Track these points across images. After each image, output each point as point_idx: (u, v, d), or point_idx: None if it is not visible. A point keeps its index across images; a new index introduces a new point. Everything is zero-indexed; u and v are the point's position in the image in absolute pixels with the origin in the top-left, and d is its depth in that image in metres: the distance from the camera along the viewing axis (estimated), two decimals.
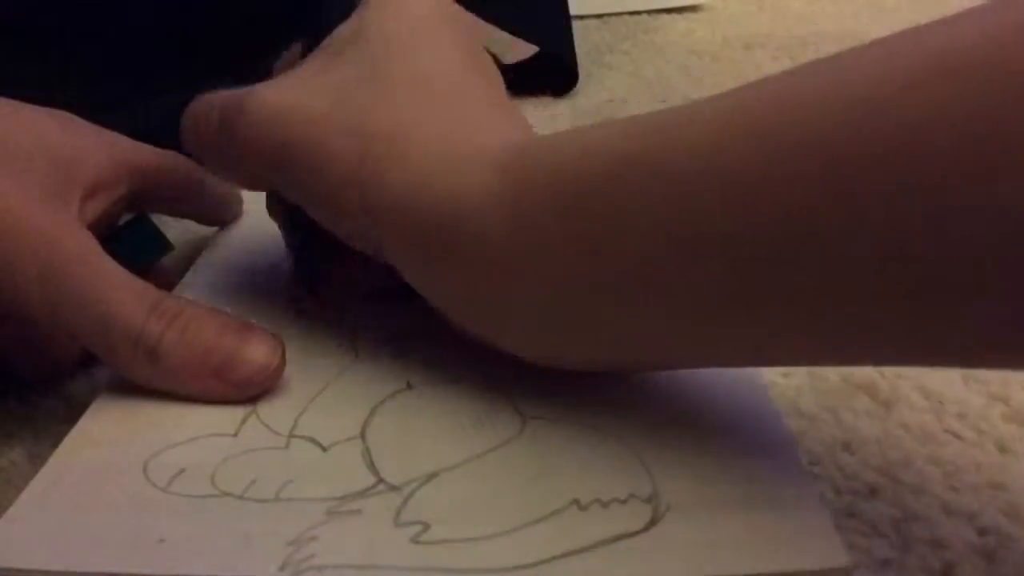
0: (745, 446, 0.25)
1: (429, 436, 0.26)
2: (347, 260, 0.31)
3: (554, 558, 0.22)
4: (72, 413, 0.28)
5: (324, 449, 0.26)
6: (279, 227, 0.34)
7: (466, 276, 0.26)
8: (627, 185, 0.23)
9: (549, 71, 0.58)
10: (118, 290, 0.27)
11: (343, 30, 0.30)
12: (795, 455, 0.25)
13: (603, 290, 0.24)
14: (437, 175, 0.26)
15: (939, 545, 0.24)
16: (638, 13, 0.75)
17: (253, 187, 0.33)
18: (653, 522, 0.23)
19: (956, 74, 0.18)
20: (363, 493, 0.24)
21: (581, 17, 0.72)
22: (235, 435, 0.27)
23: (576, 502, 0.23)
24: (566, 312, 0.25)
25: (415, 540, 0.23)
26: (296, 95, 0.28)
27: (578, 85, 0.59)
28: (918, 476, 0.26)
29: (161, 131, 0.36)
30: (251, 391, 0.28)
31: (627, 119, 0.25)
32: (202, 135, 0.30)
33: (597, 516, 0.23)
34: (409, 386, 0.28)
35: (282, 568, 0.22)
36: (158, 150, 0.35)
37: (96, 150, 0.32)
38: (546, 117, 0.54)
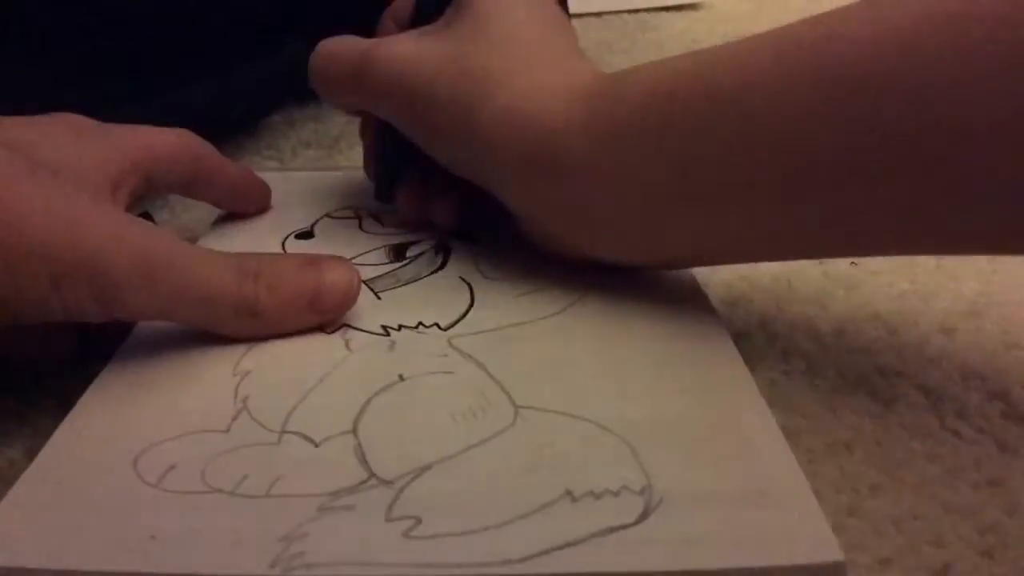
0: (738, 441, 0.25)
1: (421, 429, 0.26)
2: (424, 175, 0.38)
3: (546, 551, 0.22)
4: (71, 411, 0.28)
5: (316, 444, 0.26)
6: (366, 146, 0.41)
7: (558, 187, 0.31)
8: (698, 115, 0.28)
9: None
10: (207, 266, 0.29)
11: (448, 13, 0.36)
12: (787, 450, 0.25)
13: (678, 196, 0.29)
14: (532, 103, 0.32)
15: (939, 544, 0.24)
16: (637, 11, 0.75)
17: (374, 113, 0.38)
18: (645, 515, 0.23)
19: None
20: (355, 488, 0.24)
21: (580, 15, 0.72)
22: (226, 431, 0.27)
23: (569, 494, 0.23)
24: (650, 216, 0.30)
25: (407, 535, 0.23)
26: (418, 49, 0.34)
27: None
28: (918, 475, 0.26)
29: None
30: (341, 312, 0.31)
31: (693, 53, 0.30)
32: (334, 76, 0.36)
33: (589, 508, 0.23)
34: (401, 379, 0.28)
35: (273, 565, 0.22)
36: (166, 132, 0.35)
37: (110, 149, 0.32)
38: None
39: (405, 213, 0.39)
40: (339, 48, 0.37)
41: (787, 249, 0.30)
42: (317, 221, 0.39)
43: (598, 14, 0.74)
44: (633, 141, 0.30)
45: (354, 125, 0.55)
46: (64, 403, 0.30)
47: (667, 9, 0.75)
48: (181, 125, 0.37)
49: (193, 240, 0.38)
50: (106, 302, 0.27)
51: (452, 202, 0.38)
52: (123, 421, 0.27)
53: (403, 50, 0.35)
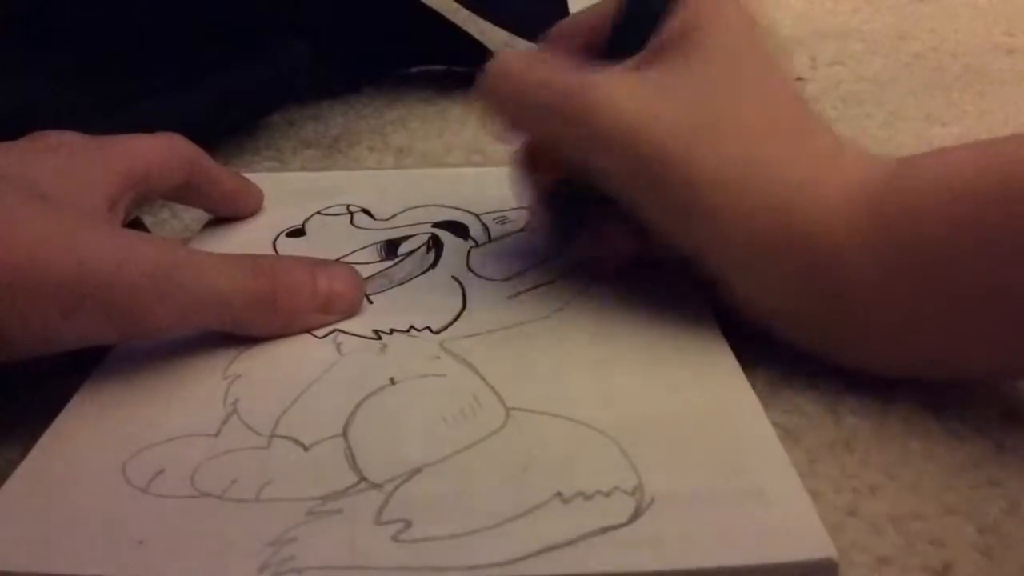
0: (729, 439, 0.25)
1: (411, 432, 0.26)
2: (609, 227, 0.33)
3: (537, 553, 0.22)
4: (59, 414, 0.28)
5: (306, 448, 0.26)
6: (535, 185, 0.35)
7: (826, 303, 0.29)
8: (991, 227, 0.26)
9: None
10: (220, 269, 0.29)
11: (673, 30, 0.30)
12: (779, 447, 0.25)
13: (952, 319, 0.27)
14: (807, 206, 0.28)
15: (939, 543, 0.24)
16: None
17: (573, 158, 0.32)
18: (637, 515, 0.23)
19: None
20: (345, 492, 0.24)
21: None
22: (216, 435, 0.26)
23: (559, 495, 0.23)
24: (919, 335, 0.28)
25: (396, 538, 0.23)
26: (648, 98, 0.29)
27: None
28: (918, 474, 0.26)
29: (161, 131, 0.36)
30: (347, 316, 0.32)
31: (980, 147, 0.28)
32: (536, 102, 0.31)
33: (581, 509, 0.23)
34: (392, 382, 0.28)
35: (262, 570, 0.22)
36: (157, 140, 0.35)
37: (103, 166, 0.32)
38: None
39: (601, 259, 0.34)
40: (545, 73, 0.31)
41: None
42: (308, 219, 0.39)
43: None
44: (938, 262, 0.27)
45: (354, 124, 0.55)
46: (63, 403, 0.30)
47: None
48: (181, 126, 0.37)
49: (187, 240, 0.38)
50: (122, 324, 0.27)
51: (631, 233, 0.33)
52: (112, 425, 0.27)
53: (632, 96, 0.29)
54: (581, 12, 0.34)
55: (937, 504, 0.25)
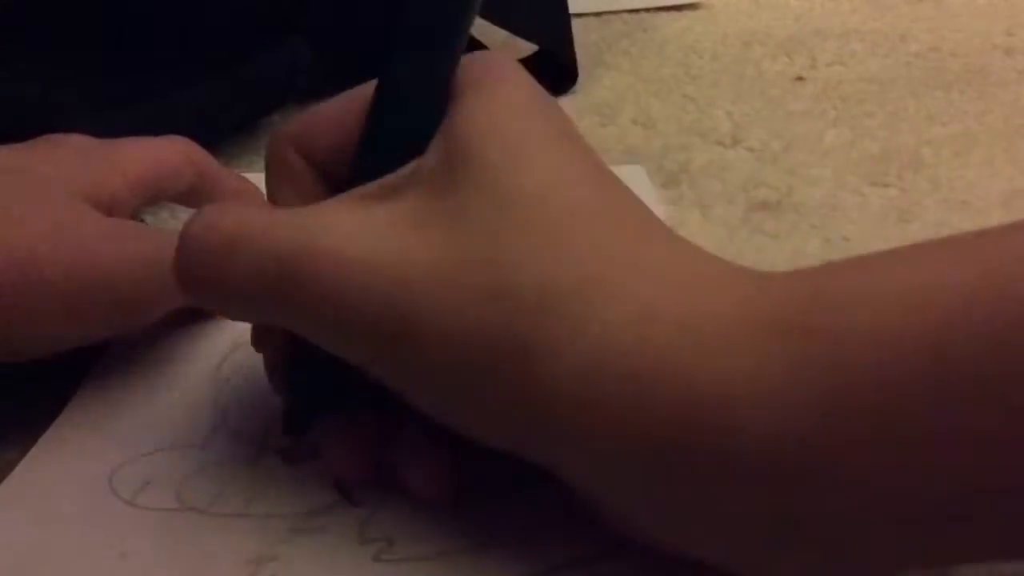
0: None
1: None
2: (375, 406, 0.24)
3: None
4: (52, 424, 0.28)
5: (292, 463, 0.26)
6: (269, 368, 0.27)
7: (735, 496, 0.19)
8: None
9: (548, 69, 0.58)
10: None
11: (427, 158, 0.22)
12: None
13: (951, 512, 0.18)
14: (658, 347, 0.19)
15: None
16: (637, 11, 0.75)
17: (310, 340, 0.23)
18: (617, 546, 0.22)
19: None
20: (329, 509, 0.24)
21: (580, 15, 0.72)
22: (203, 447, 0.26)
23: (541, 521, 0.23)
24: (881, 537, 0.19)
25: (377, 558, 0.22)
26: (394, 240, 0.21)
27: (577, 83, 0.59)
28: None
29: (161, 131, 0.36)
30: None
31: (964, 240, 0.19)
32: (236, 279, 0.22)
33: (561, 537, 0.23)
34: None
35: None
36: (168, 145, 0.34)
37: (113, 169, 0.31)
38: None
39: (336, 466, 0.25)
40: (242, 228, 0.22)
41: None
42: None
43: (598, 14, 0.74)
44: (898, 416, 0.18)
45: None
46: (63, 404, 0.30)
47: (667, 9, 0.75)
48: (182, 125, 0.37)
49: None
50: (126, 317, 0.27)
51: (435, 460, 0.24)
52: (101, 435, 0.27)
53: (356, 240, 0.21)
54: (333, 101, 0.25)
55: None
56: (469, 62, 0.23)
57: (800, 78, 0.59)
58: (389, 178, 0.22)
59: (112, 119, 0.35)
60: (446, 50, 0.22)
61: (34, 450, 0.26)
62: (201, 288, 0.23)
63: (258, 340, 0.26)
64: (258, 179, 0.41)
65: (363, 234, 0.21)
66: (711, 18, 0.74)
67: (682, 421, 0.18)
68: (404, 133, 0.22)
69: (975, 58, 0.61)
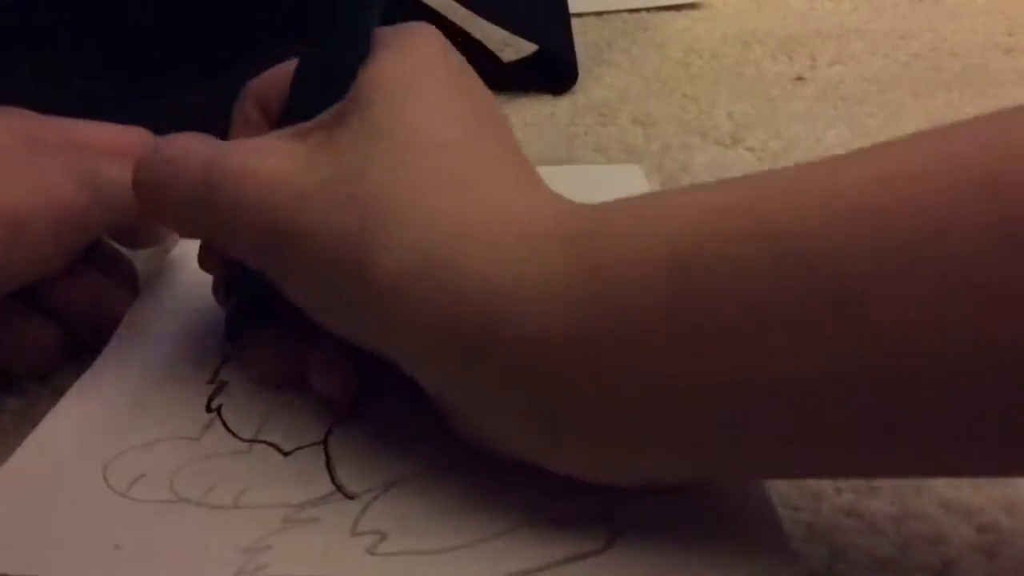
0: None
1: (391, 443, 0.26)
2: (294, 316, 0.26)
3: None
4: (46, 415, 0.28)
5: (285, 455, 0.26)
6: (213, 284, 0.31)
7: (513, 382, 0.21)
8: (759, 264, 0.19)
9: (548, 69, 0.58)
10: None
11: (349, 97, 0.25)
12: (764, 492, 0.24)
13: (709, 400, 0.20)
14: (460, 250, 0.22)
15: (938, 543, 0.24)
16: (637, 11, 0.75)
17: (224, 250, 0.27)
18: (610, 543, 0.22)
19: None
20: (322, 500, 0.24)
21: (580, 15, 0.72)
22: (198, 439, 0.27)
23: (536, 518, 0.23)
24: (653, 424, 0.21)
25: (370, 551, 0.23)
26: (283, 162, 0.24)
27: (577, 83, 0.59)
28: None
29: (161, 131, 0.36)
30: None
31: (719, 183, 0.21)
32: (169, 195, 0.26)
33: (554, 534, 0.23)
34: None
35: None
36: (117, 132, 0.34)
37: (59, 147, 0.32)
38: (545, 115, 0.54)
39: (259, 370, 0.29)
40: (182, 150, 0.26)
41: (845, 467, 0.22)
42: None
43: (598, 14, 0.74)
44: (639, 317, 0.20)
45: None
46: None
47: (667, 9, 0.75)
48: (182, 125, 0.37)
49: (174, 242, 0.38)
50: (69, 234, 0.29)
51: (337, 364, 0.27)
52: (96, 427, 0.27)
53: (262, 162, 0.24)
54: (284, 64, 0.29)
55: (937, 504, 0.25)
56: (394, 28, 0.27)
57: (800, 78, 0.59)
58: (307, 123, 0.25)
59: (112, 119, 0.35)
60: (357, 13, 0.26)
61: (27, 442, 0.26)
62: (150, 199, 0.27)
63: (203, 261, 0.30)
64: None
65: (270, 157, 0.25)
66: (711, 18, 0.74)
67: (469, 314, 0.21)
68: (324, 83, 0.26)
69: (975, 58, 0.61)
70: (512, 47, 0.62)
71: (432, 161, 0.23)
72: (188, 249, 0.37)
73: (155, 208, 0.27)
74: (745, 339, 0.19)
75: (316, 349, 0.27)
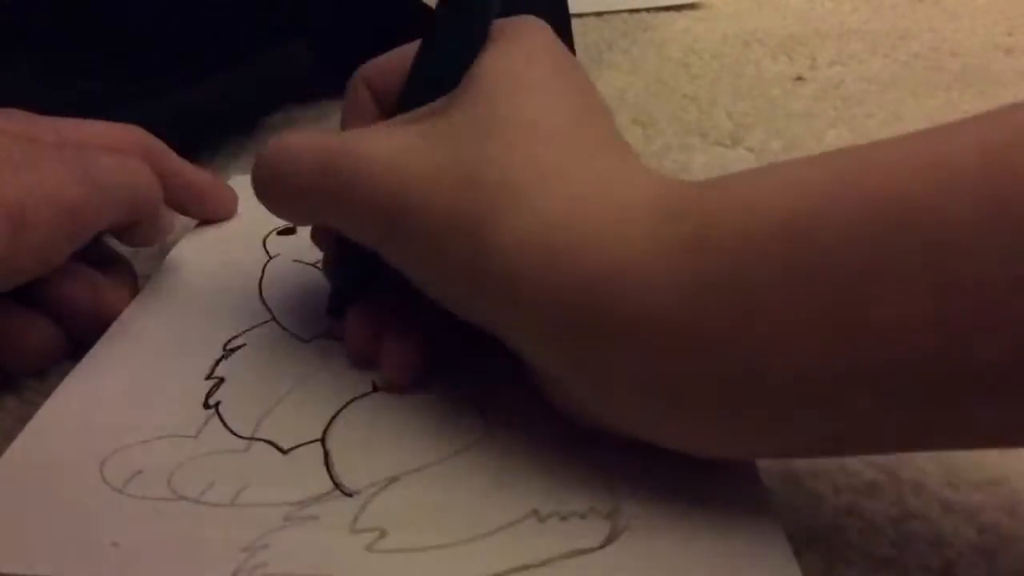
0: (709, 465, 0.24)
1: (391, 440, 0.26)
2: (391, 298, 0.29)
3: (508, 572, 0.22)
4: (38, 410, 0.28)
5: (284, 452, 0.26)
6: (324, 262, 0.32)
7: (624, 357, 0.22)
8: (887, 233, 0.19)
9: None
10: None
11: (453, 93, 0.27)
12: (757, 476, 0.24)
13: (831, 377, 0.20)
14: (573, 229, 0.23)
15: (939, 543, 0.24)
16: (637, 11, 0.75)
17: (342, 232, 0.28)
18: (610, 540, 0.23)
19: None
20: (321, 498, 0.24)
21: (580, 15, 0.72)
22: (196, 436, 0.26)
23: (535, 513, 0.23)
24: (766, 401, 0.21)
25: (370, 548, 0.22)
26: (403, 147, 0.25)
27: None
28: (917, 474, 0.26)
29: (161, 131, 0.36)
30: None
31: (824, 156, 0.21)
32: (289, 182, 0.27)
33: (555, 530, 0.23)
34: (375, 388, 0.28)
35: None
36: (109, 127, 0.34)
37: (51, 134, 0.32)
38: None
39: (351, 346, 0.30)
40: (299, 144, 0.27)
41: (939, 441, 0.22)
42: None
43: (598, 14, 0.74)
44: (753, 286, 0.20)
45: None
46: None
47: (667, 9, 0.75)
48: (181, 125, 0.37)
49: (173, 242, 0.38)
50: (71, 227, 0.29)
51: (408, 347, 0.28)
52: (92, 422, 0.27)
53: (381, 148, 0.26)
54: (403, 47, 0.30)
55: (937, 504, 0.25)
56: (506, 21, 0.28)
57: (800, 78, 0.59)
58: (422, 108, 0.27)
59: (112, 119, 0.35)
60: (476, 8, 0.27)
61: (22, 436, 0.26)
62: (269, 191, 0.28)
63: (317, 239, 0.32)
64: None
65: (389, 144, 0.26)
66: (711, 18, 0.74)
67: (582, 292, 0.22)
68: (441, 72, 0.27)
69: (975, 58, 0.61)
70: None
71: (544, 147, 0.24)
72: (188, 249, 0.37)
73: (274, 198, 0.28)
74: (868, 307, 0.19)
75: (392, 333, 0.29)
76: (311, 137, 0.27)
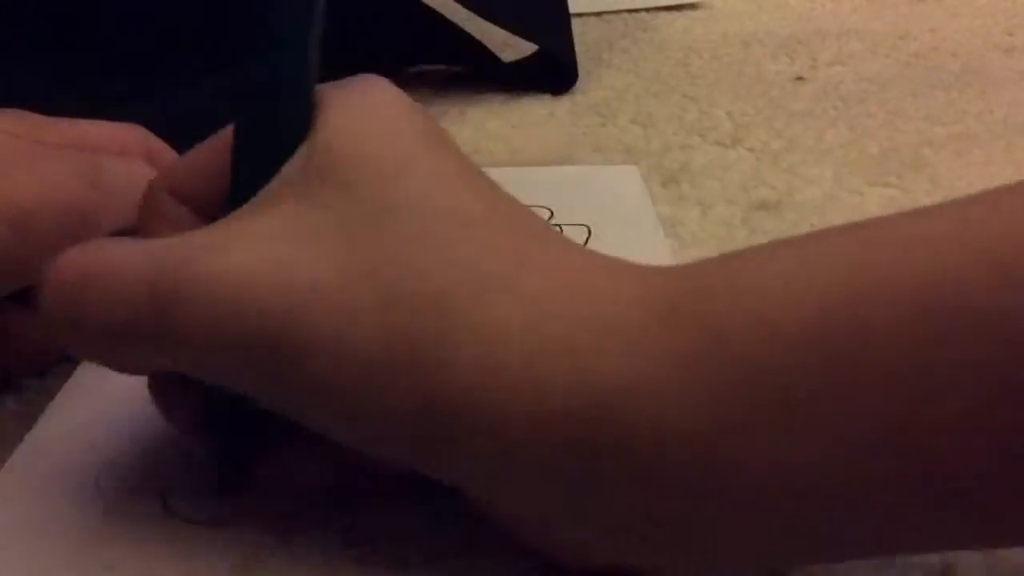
0: None
1: None
2: (290, 454, 0.24)
3: None
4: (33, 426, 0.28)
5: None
6: (183, 428, 0.24)
7: (639, 495, 0.19)
8: (928, 333, 0.17)
9: (548, 69, 0.58)
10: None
11: (295, 162, 0.21)
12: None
13: (895, 490, 0.18)
14: (559, 345, 0.18)
15: None
16: (637, 11, 0.75)
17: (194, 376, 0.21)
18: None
19: None
20: (314, 513, 0.24)
21: (580, 15, 0.72)
22: (188, 454, 0.26)
23: None
24: (773, 522, 0.18)
25: (362, 561, 0.22)
26: (271, 252, 0.19)
27: (577, 83, 0.59)
28: None
29: (161, 131, 0.36)
30: None
31: (851, 228, 0.19)
32: (110, 313, 0.20)
33: None
34: None
35: None
36: (111, 127, 0.34)
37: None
38: (544, 115, 0.54)
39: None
40: (113, 261, 0.21)
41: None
42: None
43: (598, 14, 0.74)
44: (775, 393, 0.18)
45: None
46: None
47: (667, 9, 0.75)
48: (181, 125, 0.36)
49: None
50: (72, 227, 0.28)
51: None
52: (87, 438, 0.27)
53: (243, 260, 0.19)
54: (203, 144, 0.24)
55: None
56: (342, 83, 0.23)
57: (800, 78, 0.59)
58: (259, 195, 0.21)
59: (112, 119, 0.35)
60: (297, 54, 0.22)
61: (17, 454, 0.26)
62: (62, 329, 0.21)
63: (161, 400, 0.23)
64: None
65: (239, 247, 0.20)
66: (711, 18, 0.74)
67: (582, 419, 0.18)
68: (270, 146, 0.22)
69: (975, 58, 0.61)
70: (512, 47, 0.62)
71: (472, 243, 0.20)
72: None
73: (83, 340, 0.21)
74: (915, 419, 0.17)
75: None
76: (129, 249, 0.21)
